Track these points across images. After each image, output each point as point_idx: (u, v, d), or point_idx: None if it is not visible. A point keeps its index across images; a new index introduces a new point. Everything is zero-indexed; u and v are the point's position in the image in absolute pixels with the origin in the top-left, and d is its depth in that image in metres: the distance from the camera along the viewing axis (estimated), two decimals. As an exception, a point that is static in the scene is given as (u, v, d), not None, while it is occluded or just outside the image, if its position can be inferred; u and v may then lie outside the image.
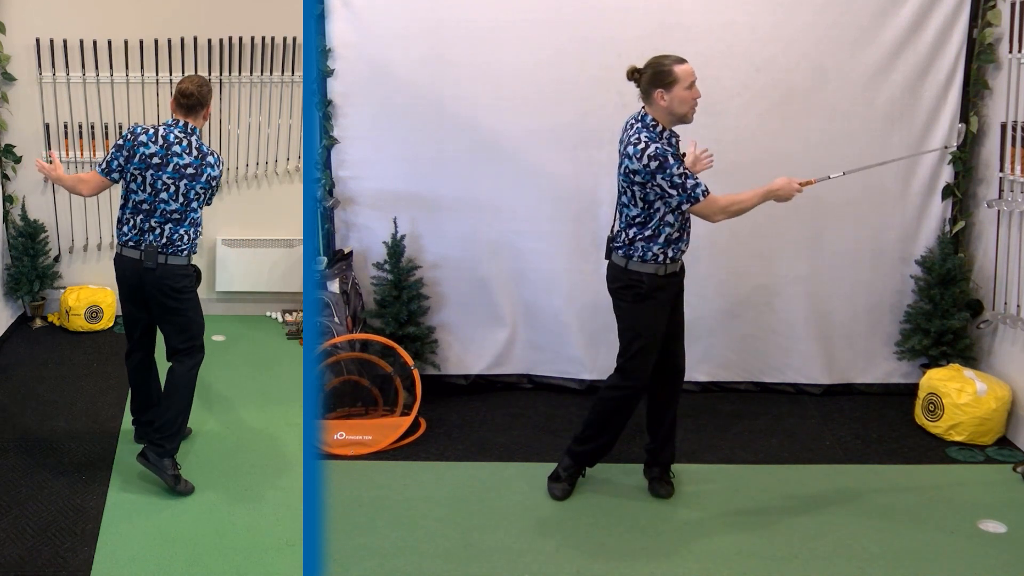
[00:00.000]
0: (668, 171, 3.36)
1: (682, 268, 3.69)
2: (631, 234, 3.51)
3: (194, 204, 3.80)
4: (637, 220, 3.49)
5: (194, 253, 3.88)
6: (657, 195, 3.41)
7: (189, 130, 3.76)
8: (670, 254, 3.52)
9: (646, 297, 3.55)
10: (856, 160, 4.62)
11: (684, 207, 3.43)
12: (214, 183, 3.84)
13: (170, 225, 3.76)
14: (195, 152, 3.75)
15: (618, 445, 4.18)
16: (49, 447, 4.12)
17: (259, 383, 4.98)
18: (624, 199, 3.51)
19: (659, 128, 3.44)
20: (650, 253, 3.50)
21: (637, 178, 3.40)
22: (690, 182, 3.40)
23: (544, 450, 4.19)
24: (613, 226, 3.61)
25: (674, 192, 3.39)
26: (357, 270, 4.83)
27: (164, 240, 3.76)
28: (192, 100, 3.75)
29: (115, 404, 4.59)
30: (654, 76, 3.42)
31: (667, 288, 3.58)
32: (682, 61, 3.42)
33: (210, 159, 3.80)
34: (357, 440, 4.22)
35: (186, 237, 3.80)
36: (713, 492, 3.84)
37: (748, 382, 4.91)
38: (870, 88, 4.53)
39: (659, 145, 3.37)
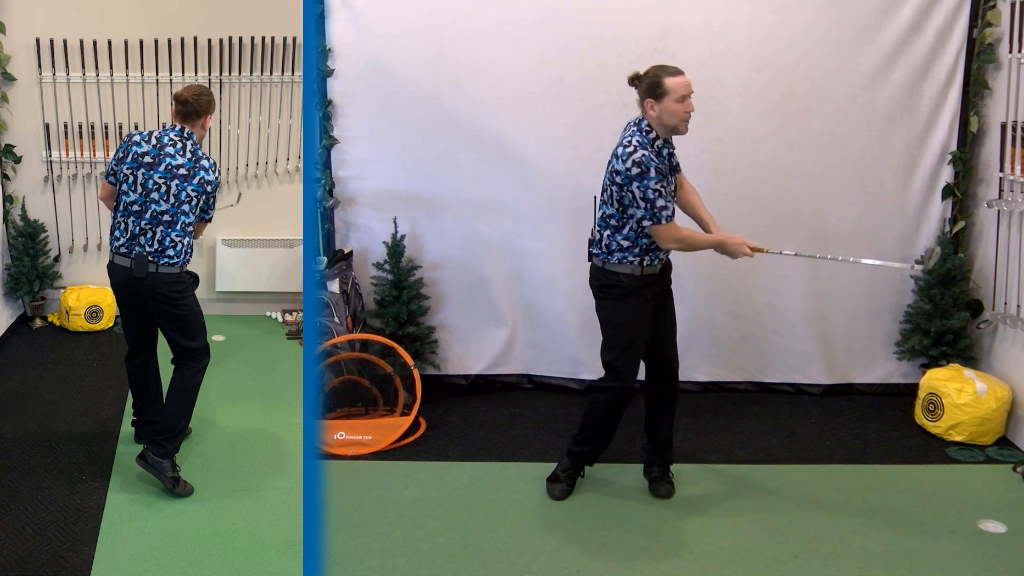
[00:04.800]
0: (645, 182, 3.38)
1: (667, 267, 3.69)
2: (606, 237, 3.56)
3: (185, 207, 3.71)
4: (612, 222, 3.53)
5: (186, 263, 3.81)
6: (630, 201, 3.44)
7: (185, 134, 3.74)
8: (646, 262, 3.55)
9: (628, 294, 3.58)
10: (855, 160, 4.63)
11: (645, 223, 3.46)
12: (209, 188, 3.77)
13: (161, 228, 3.70)
14: (189, 155, 3.72)
15: (618, 445, 4.19)
16: (49, 447, 4.12)
17: (259, 383, 4.98)
18: (604, 196, 3.56)
19: (652, 135, 3.48)
20: (627, 259, 3.54)
21: (618, 179, 3.44)
22: (660, 202, 3.42)
23: (544, 450, 4.19)
24: (593, 228, 3.68)
25: (643, 204, 3.42)
26: (357, 270, 4.83)
27: (156, 246, 3.70)
28: (188, 108, 3.73)
29: (115, 404, 4.58)
30: (648, 86, 3.45)
31: (649, 286, 3.60)
32: (678, 73, 3.44)
33: (204, 163, 3.75)
34: (357, 440, 4.22)
35: (179, 244, 3.72)
36: (713, 492, 3.84)
37: (748, 382, 4.91)
38: (870, 88, 4.53)
39: (646, 152, 3.39)
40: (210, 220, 3.93)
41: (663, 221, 3.44)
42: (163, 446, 3.77)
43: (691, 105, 3.46)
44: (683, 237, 3.52)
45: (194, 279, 3.90)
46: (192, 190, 3.71)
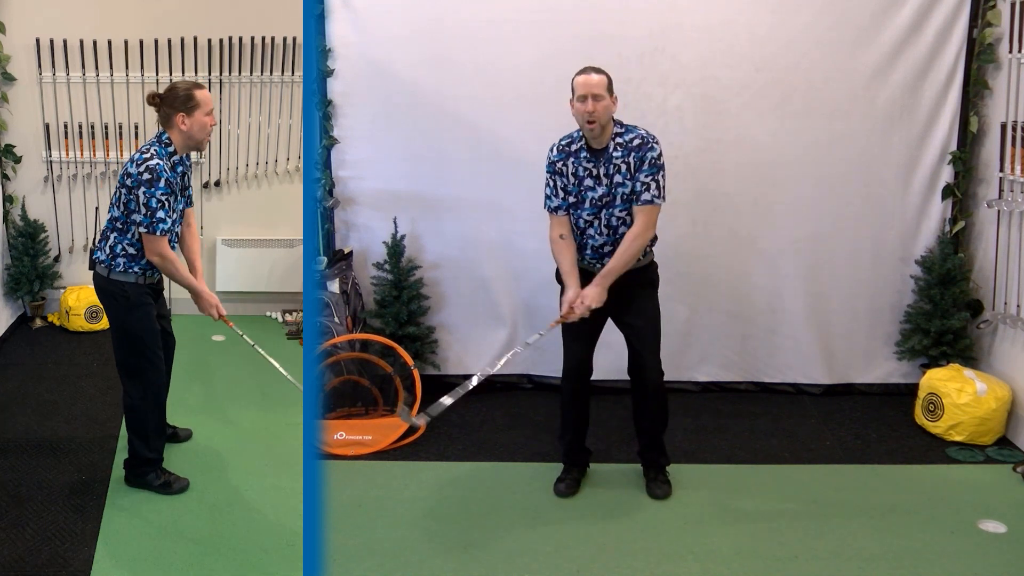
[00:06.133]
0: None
1: (633, 272, 3.63)
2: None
3: (112, 200, 3.65)
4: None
5: (119, 270, 3.60)
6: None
7: (155, 137, 3.62)
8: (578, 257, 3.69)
9: (561, 283, 3.73)
10: (855, 160, 4.63)
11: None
12: (129, 181, 3.50)
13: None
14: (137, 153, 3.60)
15: (617, 446, 4.20)
16: (49, 447, 4.12)
17: (259, 383, 4.98)
18: None
19: (577, 134, 3.61)
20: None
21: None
22: (547, 190, 3.70)
23: (544, 450, 4.19)
24: None
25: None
26: (357, 270, 4.83)
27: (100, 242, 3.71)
28: (159, 110, 3.61)
29: (115, 404, 4.57)
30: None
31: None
32: (583, 72, 3.49)
33: (136, 155, 3.54)
34: (357, 440, 4.22)
35: (105, 240, 3.63)
36: (713, 492, 3.83)
37: (748, 382, 4.90)
38: (870, 88, 4.53)
39: (552, 148, 3.67)
40: (150, 231, 3.51)
41: (545, 208, 3.73)
42: (132, 469, 3.77)
43: (591, 106, 3.43)
44: (553, 244, 3.71)
45: (123, 297, 3.63)
46: (117, 183, 3.61)
